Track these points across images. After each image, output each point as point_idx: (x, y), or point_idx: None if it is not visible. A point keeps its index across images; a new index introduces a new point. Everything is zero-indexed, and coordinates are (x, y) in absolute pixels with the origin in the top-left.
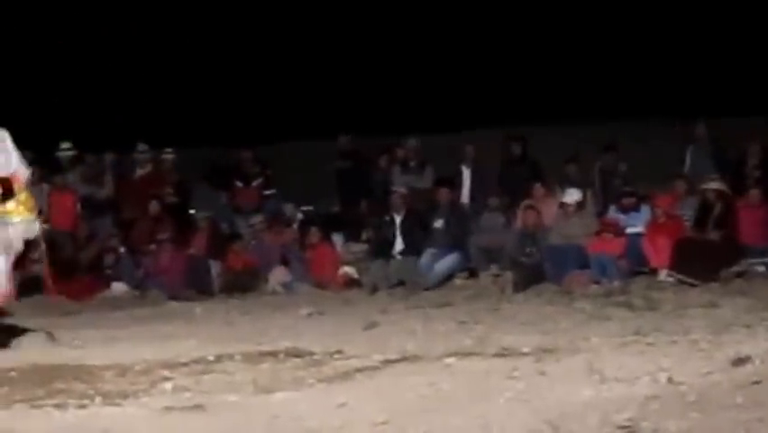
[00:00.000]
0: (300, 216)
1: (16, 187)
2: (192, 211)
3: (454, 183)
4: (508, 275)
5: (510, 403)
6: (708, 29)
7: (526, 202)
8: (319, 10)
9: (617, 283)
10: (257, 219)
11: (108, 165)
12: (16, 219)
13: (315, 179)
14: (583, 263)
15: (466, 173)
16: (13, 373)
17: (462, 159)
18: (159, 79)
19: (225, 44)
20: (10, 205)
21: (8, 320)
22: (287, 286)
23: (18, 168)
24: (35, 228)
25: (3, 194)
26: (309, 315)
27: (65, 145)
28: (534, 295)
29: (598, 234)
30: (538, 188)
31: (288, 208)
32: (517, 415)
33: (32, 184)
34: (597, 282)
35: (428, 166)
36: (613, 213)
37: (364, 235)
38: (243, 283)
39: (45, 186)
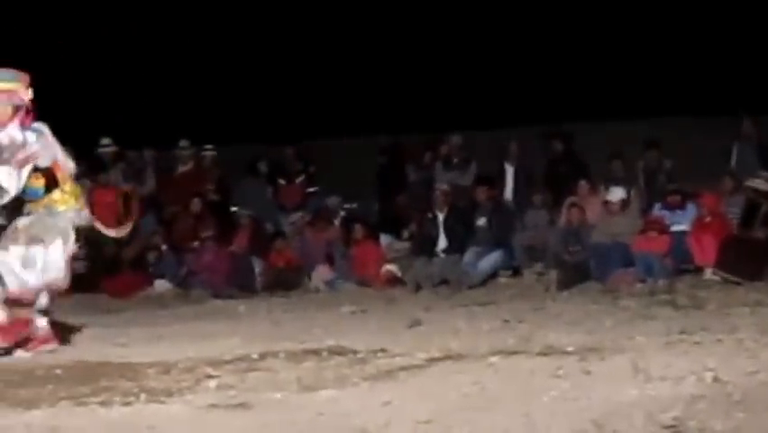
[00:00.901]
0: (343, 212)
1: (60, 176)
2: (234, 209)
3: (495, 181)
4: (552, 273)
5: (555, 402)
6: (755, 24)
7: (571, 200)
8: (362, 6)
9: (661, 282)
10: (299, 216)
11: (149, 162)
12: (62, 208)
13: (359, 176)
14: (628, 262)
15: (509, 170)
16: (58, 371)
17: (506, 156)
18: (201, 75)
19: (269, 40)
20: (55, 194)
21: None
22: (330, 284)
23: (60, 159)
24: (83, 217)
25: (47, 185)
26: (352, 313)
27: (106, 142)
28: (578, 293)
29: (643, 232)
30: (582, 186)
31: (333, 201)
32: (562, 414)
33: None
34: (642, 281)
35: (471, 163)
36: (658, 211)
37: (406, 233)
38: (286, 281)
39: (86, 183)
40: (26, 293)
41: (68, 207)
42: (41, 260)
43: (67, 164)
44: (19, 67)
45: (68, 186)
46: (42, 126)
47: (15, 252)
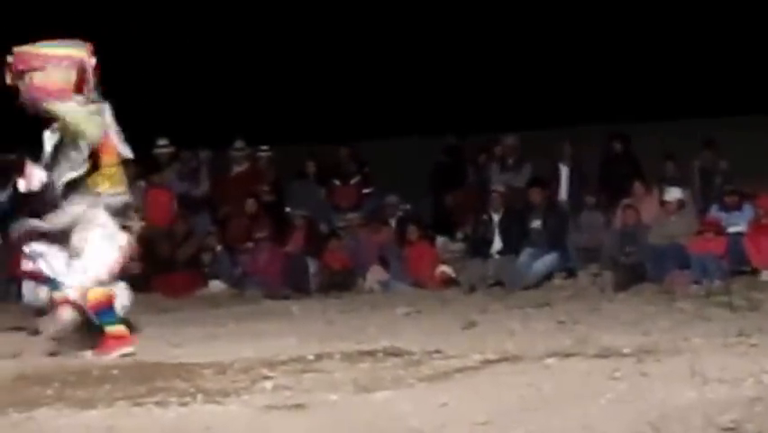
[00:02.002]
0: (400, 212)
1: (105, 158)
2: (288, 209)
3: (548, 183)
4: (608, 275)
5: (612, 404)
6: None
7: (626, 201)
8: (417, 7)
9: (718, 283)
10: (354, 217)
11: (205, 162)
12: (98, 190)
13: (412, 176)
14: (684, 263)
15: (564, 171)
16: (114, 371)
17: (560, 156)
18: (257, 75)
19: (324, 41)
20: (95, 177)
21: None
22: (384, 284)
23: (109, 140)
24: (120, 200)
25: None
26: (407, 314)
27: (162, 142)
28: (633, 295)
29: (699, 233)
30: (638, 187)
31: (392, 199)
32: (619, 416)
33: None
34: (698, 282)
35: (526, 164)
36: (715, 212)
37: (461, 234)
38: (341, 282)
39: (142, 183)
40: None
41: (103, 190)
42: (83, 262)
43: (117, 148)
44: None
45: (110, 170)
46: (105, 105)
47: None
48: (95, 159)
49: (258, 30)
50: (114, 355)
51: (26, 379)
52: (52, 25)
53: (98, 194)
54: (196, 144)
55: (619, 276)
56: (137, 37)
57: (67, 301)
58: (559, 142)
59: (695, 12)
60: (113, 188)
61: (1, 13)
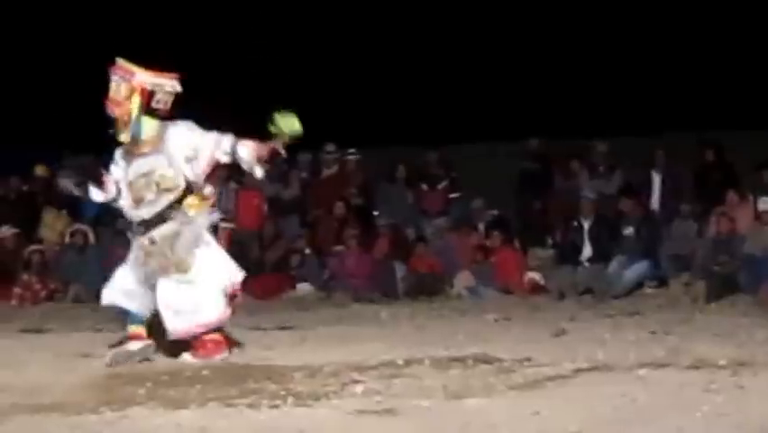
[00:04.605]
0: (488, 217)
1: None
2: (375, 213)
3: (639, 191)
4: (700, 284)
5: (708, 417)
6: None
7: (720, 209)
8: (504, 13)
9: None
10: (441, 222)
11: (302, 165)
12: (192, 213)
13: (501, 182)
14: None
15: (656, 179)
16: (205, 372)
17: (653, 164)
18: (348, 79)
19: (413, 46)
20: (190, 198)
21: None
22: (472, 290)
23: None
24: (214, 218)
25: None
26: (496, 320)
27: None
28: (727, 305)
29: None
30: (732, 196)
31: (478, 203)
32: (716, 429)
33: (220, 183)
34: None
35: (617, 171)
36: None
37: (550, 241)
38: (428, 287)
39: (232, 185)
40: (180, 334)
41: (198, 211)
42: (192, 300)
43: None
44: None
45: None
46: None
47: (167, 288)
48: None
49: (351, 35)
50: (216, 359)
51: (119, 378)
52: None
53: (193, 217)
54: (287, 147)
55: (712, 286)
56: (238, 41)
57: (138, 336)
58: (651, 148)
59: None
60: (204, 206)
61: None
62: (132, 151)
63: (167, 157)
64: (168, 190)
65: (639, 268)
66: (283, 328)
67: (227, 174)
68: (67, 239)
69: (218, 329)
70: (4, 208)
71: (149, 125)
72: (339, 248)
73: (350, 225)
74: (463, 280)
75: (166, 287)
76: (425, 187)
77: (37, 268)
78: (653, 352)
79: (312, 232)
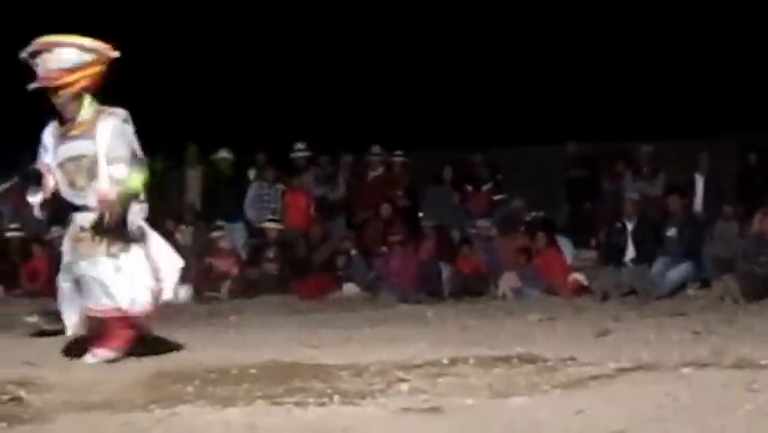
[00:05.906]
0: (528, 218)
1: None
2: (421, 214)
3: (686, 192)
4: (742, 284)
5: (751, 416)
6: None
7: (763, 210)
8: (553, 17)
9: None
10: (487, 224)
11: (345, 167)
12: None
13: (546, 183)
14: None
15: (699, 181)
16: (252, 370)
17: (696, 167)
18: (394, 82)
19: (462, 50)
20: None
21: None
22: (517, 291)
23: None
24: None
25: None
26: (540, 321)
27: (299, 146)
28: None
29: None
30: None
31: (518, 203)
32: (758, 429)
33: (269, 185)
34: None
35: (660, 173)
36: None
37: (594, 242)
38: (473, 287)
39: (280, 186)
40: (96, 312)
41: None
42: (115, 284)
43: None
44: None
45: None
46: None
47: (97, 264)
48: None
49: (400, 39)
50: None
51: (167, 376)
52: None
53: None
54: (334, 149)
55: (754, 286)
56: (279, 43)
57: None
58: (695, 151)
59: None
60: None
61: None
62: (63, 132)
63: (95, 144)
64: (98, 178)
65: (682, 269)
66: (329, 328)
67: (275, 175)
68: None
69: (134, 326)
70: None
71: (89, 108)
72: (385, 249)
73: (396, 226)
74: (508, 281)
75: (95, 263)
76: (469, 188)
77: None
78: (696, 352)
79: (358, 233)
